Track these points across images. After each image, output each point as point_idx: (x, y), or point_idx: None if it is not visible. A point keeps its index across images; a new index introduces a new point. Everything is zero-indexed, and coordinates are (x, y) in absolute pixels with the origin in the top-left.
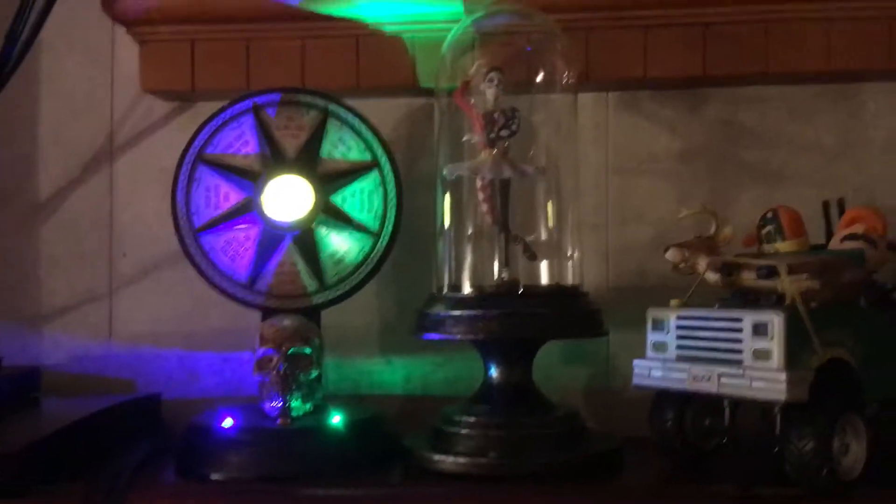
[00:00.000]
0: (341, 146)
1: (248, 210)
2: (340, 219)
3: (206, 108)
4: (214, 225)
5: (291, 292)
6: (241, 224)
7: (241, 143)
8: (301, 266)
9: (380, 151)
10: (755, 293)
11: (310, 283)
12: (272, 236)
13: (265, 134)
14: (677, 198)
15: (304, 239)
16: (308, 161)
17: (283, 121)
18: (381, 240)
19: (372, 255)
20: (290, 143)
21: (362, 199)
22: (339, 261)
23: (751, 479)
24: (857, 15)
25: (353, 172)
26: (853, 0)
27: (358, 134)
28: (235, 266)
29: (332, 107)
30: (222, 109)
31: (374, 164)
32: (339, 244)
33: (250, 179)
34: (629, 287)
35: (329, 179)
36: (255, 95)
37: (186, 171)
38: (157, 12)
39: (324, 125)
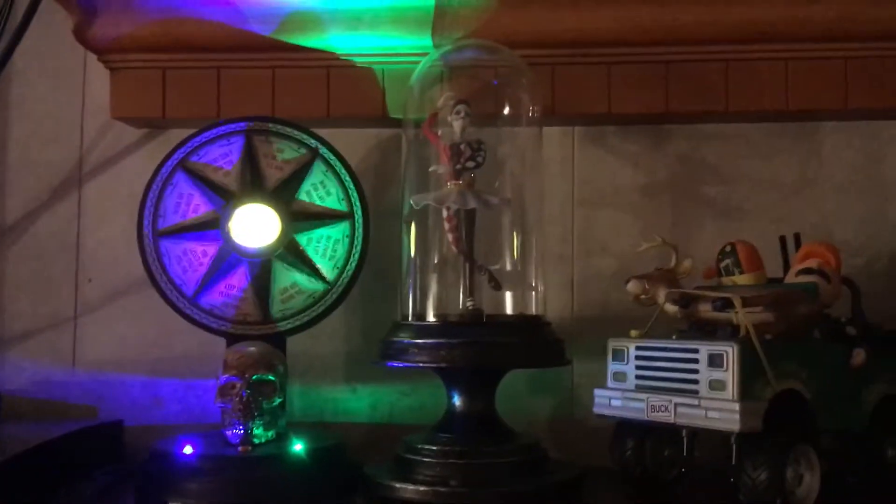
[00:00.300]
0: (321, 189)
1: (213, 227)
2: (300, 259)
3: (176, 136)
4: (176, 232)
5: (233, 317)
6: (202, 238)
7: (226, 161)
8: (249, 293)
9: (357, 205)
10: (712, 325)
11: (253, 312)
12: (229, 258)
13: (251, 159)
14: (640, 231)
15: (260, 268)
16: (285, 195)
17: (273, 151)
18: (333, 290)
19: (320, 304)
20: (273, 174)
21: (326, 245)
22: (287, 299)
23: None
24: (814, 55)
25: (324, 217)
26: (810, 42)
27: (341, 183)
28: (185, 277)
29: (323, 150)
30: (216, 124)
31: (348, 216)
32: (291, 283)
33: (223, 197)
34: (593, 318)
35: (299, 217)
36: (250, 120)
37: (165, 174)
38: (128, 40)
39: (310, 165)
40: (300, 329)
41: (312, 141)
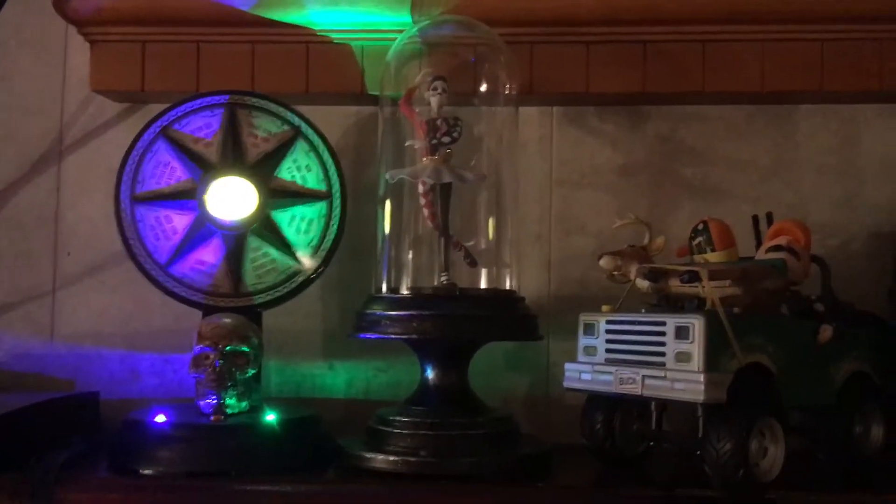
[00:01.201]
0: (302, 169)
1: (190, 196)
2: (275, 235)
3: (155, 110)
4: (153, 199)
5: (200, 286)
6: (177, 207)
7: (208, 131)
8: (220, 266)
9: (336, 186)
10: (680, 299)
11: (225, 284)
12: (203, 228)
13: (233, 131)
14: (618, 210)
15: (233, 242)
16: (264, 171)
17: (255, 126)
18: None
19: (293, 280)
20: (254, 149)
21: (302, 223)
22: (261, 275)
23: (674, 482)
24: (790, 38)
25: (302, 196)
26: (786, 23)
27: (321, 163)
28: (159, 245)
29: (306, 128)
30: (202, 95)
31: (325, 196)
32: (266, 259)
33: (202, 168)
34: (570, 296)
35: (277, 194)
36: (235, 93)
37: (147, 140)
38: (108, 13)
39: (292, 143)
40: (274, 303)
41: (296, 119)
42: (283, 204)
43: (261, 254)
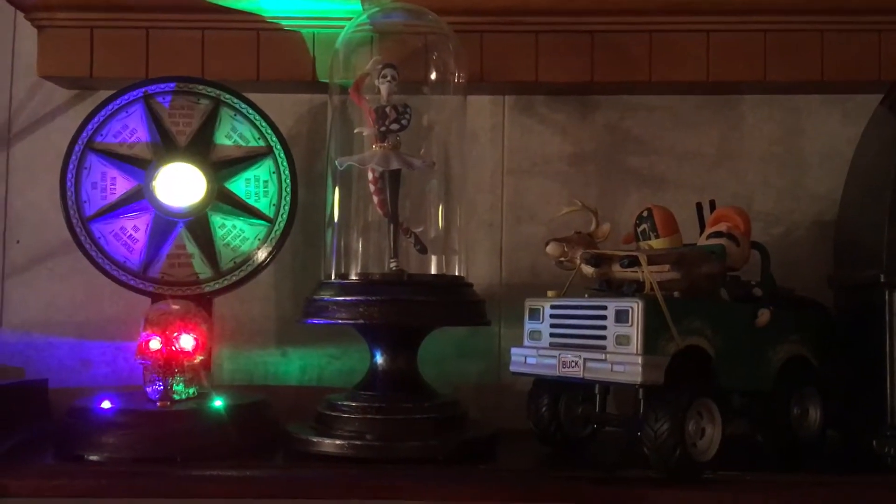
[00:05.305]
0: (234, 135)
1: (140, 198)
2: (235, 205)
3: (105, 96)
4: (105, 213)
5: (184, 279)
6: (132, 212)
7: (130, 132)
8: (195, 252)
9: (274, 140)
10: (622, 284)
11: (203, 269)
12: (165, 223)
13: (156, 122)
14: (568, 199)
15: (198, 225)
16: (200, 149)
17: (176, 109)
18: (276, 226)
19: (267, 242)
20: (182, 132)
21: (257, 186)
22: (235, 248)
23: (615, 464)
24: (734, 28)
25: (246, 159)
26: (731, 14)
27: (252, 123)
28: (128, 253)
29: (225, 96)
30: (112, 98)
31: (268, 151)
32: (235, 231)
33: (141, 167)
34: (521, 283)
35: (222, 166)
36: (146, 84)
37: (76, 160)
38: None
39: (216, 114)
40: (255, 274)
41: (211, 90)
42: (230, 173)
43: (228, 228)
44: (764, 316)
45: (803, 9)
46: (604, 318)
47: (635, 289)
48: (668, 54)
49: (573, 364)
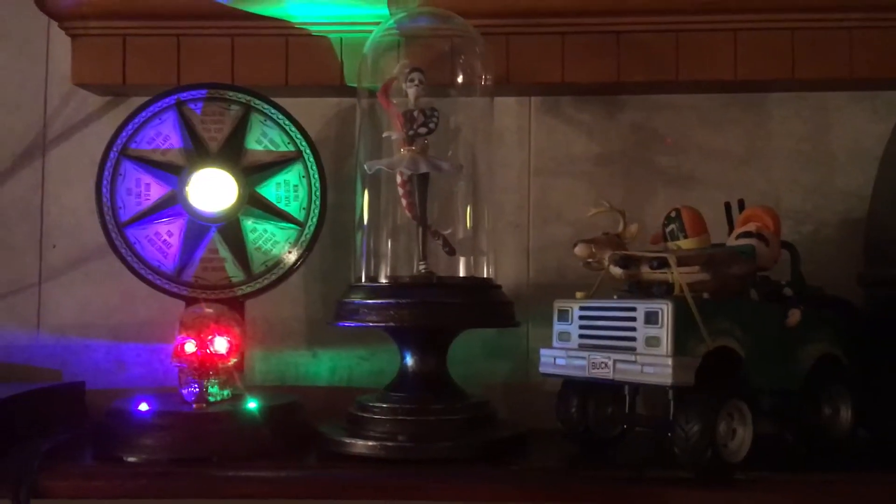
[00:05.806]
0: (265, 140)
1: (173, 203)
2: (266, 209)
3: (138, 103)
4: (140, 219)
5: (217, 282)
6: (165, 217)
7: (163, 139)
8: (227, 256)
9: (303, 144)
10: (651, 285)
11: (235, 272)
12: (198, 228)
13: (188, 129)
14: (594, 199)
15: (230, 230)
16: (231, 154)
17: (207, 116)
18: (306, 230)
19: (298, 245)
20: (214, 138)
21: (288, 190)
22: (266, 251)
23: (645, 464)
24: (762, 26)
25: (276, 164)
26: (759, 12)
27: (281, 128)
28: (162, 258)
29: (255, 102)
30: (145, 105)
31: (297, 156)
32: (266, 235)
33: (174, 173)
34: (548, 284)
35: (253, 171)
36: (179, 91)
37: (111, 167)
38: (88, 7)
39: (247, 119)
40: (286, 277)
41: (241, 96)
42: (261, 178)
43: (259, 232)
44: (795, 316)
45: (831, 6)
46: (633, 319)
47: (665, 290)
48: (694, 53)
49: (603, 365)
